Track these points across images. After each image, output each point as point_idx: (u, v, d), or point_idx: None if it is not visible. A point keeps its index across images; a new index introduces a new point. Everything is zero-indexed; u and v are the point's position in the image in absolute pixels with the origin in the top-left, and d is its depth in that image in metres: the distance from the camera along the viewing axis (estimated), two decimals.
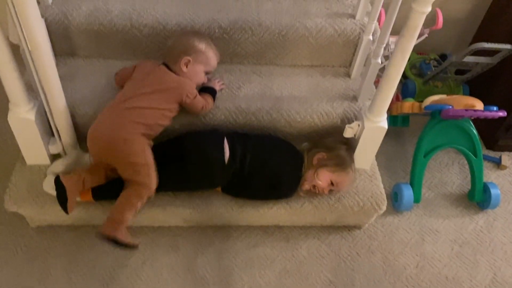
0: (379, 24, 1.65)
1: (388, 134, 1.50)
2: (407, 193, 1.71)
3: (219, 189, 1.48)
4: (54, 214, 1.45)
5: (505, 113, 1.63)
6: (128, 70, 1.48)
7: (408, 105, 1.74)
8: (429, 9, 1.14)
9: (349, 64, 1.73)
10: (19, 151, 1.45)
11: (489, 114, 1.62)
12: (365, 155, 1.58)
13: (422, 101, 1.73)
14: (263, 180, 1.44)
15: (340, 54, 1.69)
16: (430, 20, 1.61)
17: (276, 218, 1.60)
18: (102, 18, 1.53)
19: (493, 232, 1.75)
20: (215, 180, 1.44)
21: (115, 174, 1.37)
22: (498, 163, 1.99)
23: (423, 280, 1.59)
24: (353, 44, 1.65)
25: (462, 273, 1.62)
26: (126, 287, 1.45)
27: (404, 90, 2.15)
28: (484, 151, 2.02)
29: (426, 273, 1.61)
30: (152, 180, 1.34)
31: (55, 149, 1.46)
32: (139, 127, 1.34)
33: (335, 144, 1.52)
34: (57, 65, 1.53)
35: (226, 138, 1.44)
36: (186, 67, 1.40)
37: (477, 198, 1.80)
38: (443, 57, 2.22)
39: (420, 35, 1.67)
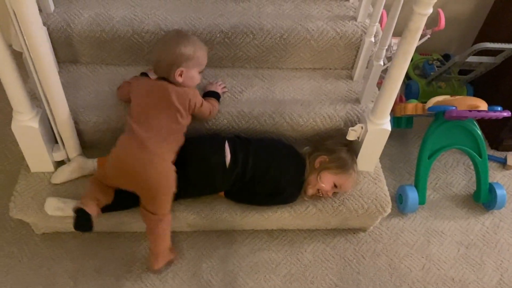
0: (381, 26, 1.65)
1: (392, 135, 1.50)
2: (412, 195, 1.70)
3: (222, 194, 1.48)
4: (58, 221, 1.46)
5: (510, 113, 1.62)
6: (127, 87, 1.45)
7: (412, 107, 1.73)
8: (430, 11, 1.13)
9: (352, 66, 1.73)
10: (23, 158, 1.46)
11: (494, 115, 1.61)
12: (369, 158, 1.57)
13: (425, 102, 1.72)
14: (265, 187, 1.45)
15: (342, 57, 1.69)
16: (433, 21, 1.61)
17: (280, 222, 1.60)
18: (104, 25, 1.54)
19: (499, 233, 1.74)
20: (217, 184, 1.44)
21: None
22: (503, 163, 1.98)
23: (429, 282, 1.58)
24: (355, 46, 1.65)
25: (468, 274, 1.61)
26: None
27: (408, 91, 2.15)
28: (489, 152, 2.00)
29: (432, 275, 1.60)
30: (169, 206, 1.37)
31: (59, 156, 1.47)
32: (166, 154, 1.34)
33: (336, 147, 1.52)
34: (60, 72, 1.56)
35: (228, 142, 1.44)
36: (181, 76, 1.37)
37: (483, 199, 1.79)
38: (446, 57, 2.21)
39: (422, 36, 1.68)
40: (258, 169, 1.43)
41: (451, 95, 1.77)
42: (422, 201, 1.73)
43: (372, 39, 1.57)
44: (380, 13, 1.49)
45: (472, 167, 1.83)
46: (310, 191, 1.48)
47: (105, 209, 1.38)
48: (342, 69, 1.74)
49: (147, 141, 1.30)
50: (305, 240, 1.64)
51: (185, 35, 1.41)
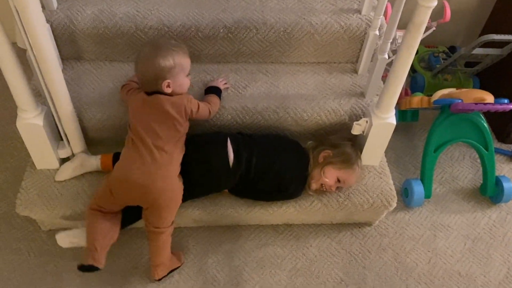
0: (385, 19, 1.63)
1: (397, 129, 1.49)
2: (418, 188, 1.69)
3: (226, 191, 1.48)
4: (65, 219, 1.46)
5: None
6: (126, 95, 1.45)
7: (417, 100, 1.72)
8: (435, 3, 1.12)
9: (356, 60, 1.71)
10: (29, 156, 1.46)
11: (500, 107, 1.60)
12: (374, 152, 1.56)
13: (431, 95, 1.71)
14: (269, 183, 1.44)
15: (347, 50, 1.68)
16: (438, 13, 1.59)
17: (285, 217, 1.60)
18: (107, 22, 1.53)
19: (506, 227, 1.73)
20: (221, 184, 1.45)
21: None
22: (510, 156, 1.96)
23: (435, 276, 1.57)
24: (360, 40, 1.64)
25: (475, 268, 1.60)
26: None
27: (413, 84, 2.13)
28: (495, 144, 1.98)
29: (438, 269, 1.59)
30: (173, 219, 1.39)
31: (64, 153, 1.47)
32: (171, 167, 1.34)
33: (340, 141, 1.51)
34: (63, 69, 1.56)
35: (230, 141, 1.43)
36: (170, 87, 1.34)
37: (489, 192, 1.77)
38: (452, 49, 2.20)
39: (427, 29, 1.66)
40: (261, 167, 1.42)
41: (457, 88, 1.75)
42: (428, 195, 1.72)
43: (377, 32, 1.56)
44: (385, 5, 1.48)
45: (478, 160, 1.82)
46: (314, 185, 1.48)
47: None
48: (347, 62, 1.73)
49: (152, 154, 1.30)
50: (311, 235, 1.64)
51: (159, 46, 1.36)
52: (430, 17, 1.18)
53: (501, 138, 2.02)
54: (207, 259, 1.55)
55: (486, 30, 2.13)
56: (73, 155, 1.49)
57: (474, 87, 2.08)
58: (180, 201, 1.38)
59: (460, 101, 1.60)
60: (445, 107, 1.66)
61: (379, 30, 1.56)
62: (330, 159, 1.47)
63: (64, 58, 1.61)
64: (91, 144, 1.54)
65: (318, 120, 1.56)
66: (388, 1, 1.48)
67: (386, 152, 1.60)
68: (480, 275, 1.59)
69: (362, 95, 1.61)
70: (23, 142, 1.40)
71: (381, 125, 1.45)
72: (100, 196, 1.35)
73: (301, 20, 1.58)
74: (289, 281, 1.52)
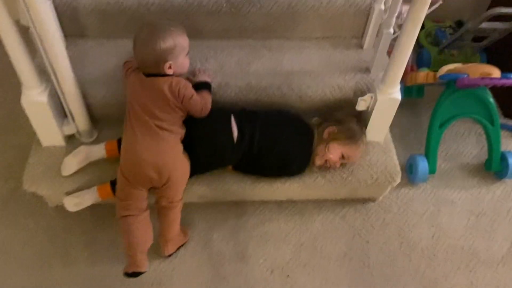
0: None
1: (402, 105, 1.48)
2: (422, 164, 1.69)
3: (230, 168, 1.49)
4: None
5: None
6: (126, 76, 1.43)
7: (423, 75, 1.70)
8: None
9: (361, 35, 1.69)
10: (34, 133, 1.48)
11: (507, 82, 1.58)
12: (379, 128, 1.56)
13: (437, 71, 1.69)
14: (273, 159, 1.45)
15: (352, 25, 1.66)
16: None
17: (289, 193, 1.61)
18: None
19: (510, 202, 1.73)
20: (226, 160, 1.46)
21: None
22: None
23: (438, 250, 1.59)
24: (365, 14, 1.61)
25: (478, 243, 1.62)
26: None
27: (419, 59, 2.11)
28: (501, 120, 1.96)
29: (442, 244, 1.61)
30: (182, 192, 1.42)
31: (69, 130, 1.48)
32: (175, 143, 1.35)
33: (345, 117, 1.51)
34: (67, 46, 1.56)
35: (234, 117, 1.43)
36: (171, 68, 1.33)
37: (494, 167, 1.77)
38: (460, 24, 2.16)
39: (434, 2, 1.63)
40: (265, 143, 1.43)
41: (464, 63, 1.73)
42: (432, 171, 1.72)
43: (382, 7, 1.53)
44: None
45: (483, 136, 1.81)
46: (318, 162, 1.48)
47: None
48: (352, 37, 1.71)
49: (155, 133, 1.31)
50: (314, 210, 1.65)
51: (158, 28, 1.33)
52: None
53: (508, 113, 2.01)
54: (212, 234, 1.57)
55: (494, 3, 2.09)
56: (78, 131, 1.50)
57: (481, 62, 2.06)
58: (189, 174, 1.40)
59: (466, 76, 1.58)
60: (451, 82, 1.65)
61: (385, 4, 1.54)
62: (335, 135, 1.47)
63: (68, 35, 1.60)
64: (96, 120, 1.55)
65: (322, 97, 1.55)
66: None
67: (391, 128, 1.60)
68: (483, 250, 1.60)
69: (367, 70, 1.60)
70: (28, 120, 1.41)
71: (386, 100, 1.44)
72: (120, 188, 1.37)
73: None
74: (293, 255, 1.54)
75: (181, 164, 1.37)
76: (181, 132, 1.38)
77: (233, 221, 1.60)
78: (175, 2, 1.53)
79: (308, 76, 1.56)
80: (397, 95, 1.44)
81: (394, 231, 1.63)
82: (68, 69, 1.32)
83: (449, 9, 2.05)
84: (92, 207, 1.57)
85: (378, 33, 1.56)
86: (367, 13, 1.60)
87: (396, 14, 1.42)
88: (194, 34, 1.62)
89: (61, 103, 1.42)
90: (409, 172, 1.77)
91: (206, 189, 1.49)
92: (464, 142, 1.90)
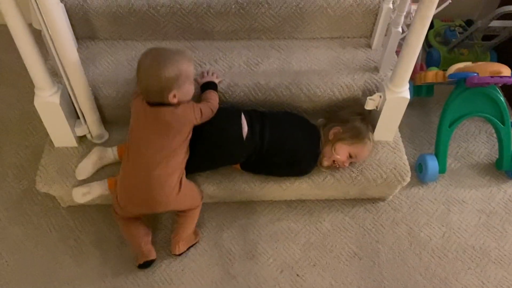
0: None
1: (412, 104, 1.48)
2: (432, 163, 1.68)
3: (237, 166, 1.50)
4: None
5: None
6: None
7: (432, 74, 1.70)
8: None
9: (370, 34, 1.69)
10: (47, 134, 1.50)
11: None
12: (388, 127, 1.56)
13: (446, 70, 1.68)
14: (281, 158, 1.45)
15: (360, 25, 1.66)
16: None
17: (298, 193, 1.62)
18: (119, 0, 1.54)
19: None
20: (234, 156, 1.46)
21: None
22: None
23: (449, 250, 1.58)
24: (373, 14, 1.62)
25: (489, 242, 1.60)
26: (155, 264, 1.50)
27: (429, 59, 2.10)
28: None
29: (452, 243, 1.60)
30: (200, 198, 1.47)
31: (81, 131, 1.50)
32: (175, 177, 1.35)
33: (349, 116, 1.51)
34: (78, 48, 1.58)
35: (244, 115, 1.44)
36: (175, 97, 1.29)
37: (505, 166, 1.76)
38: (469, 23, 2.15)
39: (443, 1, 1.62)
40: (275, 142, 1.43)
41: (473, 61, 1.72)
42: (442, 170, 1.71)
43: (390, 6, 1.53)
44: None
45: (494, 135, 1.80)
46: (326, 163, 1.48)
47: None
48: (360, 37, 1.71)
49: (152, 169, 1.30)
50: (324, 210, 1.65)
51: (162, 55, 1.28)
52: None
53: None
54: (222, 234, 1.58)
55: (503, 2, 2.08)
56: (90, 132, 1.52)
57: (491, 61, 2.04)
58: (199, 199, 1.46)
59: (475, 74, 1.58)
60: (461, 81, 1.64)
61: (393, 3, 1.54)
62: (340, 135, 1.47)
63: (79, 37, 1.63)
64: (107, 122, 1.57)
65: (331, 96, 1.56)
66: None
67: (401, 128, 1.60)
68: (494, 249, 1.59)
69: (376, 69, 1.60)
70: (41, 121, 1.43)
71: (394, 100, 1.44)
72: (114, 205, 1.43)
73: None
74: (303, 254, 1.54)
75: (184, 196, 1.38)
76: (184, 160, 1.37)
77: (243, 221, 1.61)
78: (184, 3, 1.54)
79: (316, 76, 1.56)
80: (406, 94, 1.44)
81: (404, 230, 1.62)
82: (80, 71, 1.34)
83: (458, 9, 2.05)
84: (103, 208, 1.60)
85: (387, 33, 1.56)
86: (376, 13, 1.61)
87: (404, 13, 1.42)
88: (203, 35, 1.64)
89: (73, 104, 1.44)
90: (419, 171, 1.76)
91: (215, 189, 1.51)
92: (474, 141, 1.89)
